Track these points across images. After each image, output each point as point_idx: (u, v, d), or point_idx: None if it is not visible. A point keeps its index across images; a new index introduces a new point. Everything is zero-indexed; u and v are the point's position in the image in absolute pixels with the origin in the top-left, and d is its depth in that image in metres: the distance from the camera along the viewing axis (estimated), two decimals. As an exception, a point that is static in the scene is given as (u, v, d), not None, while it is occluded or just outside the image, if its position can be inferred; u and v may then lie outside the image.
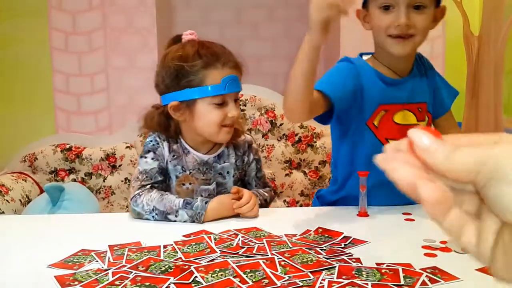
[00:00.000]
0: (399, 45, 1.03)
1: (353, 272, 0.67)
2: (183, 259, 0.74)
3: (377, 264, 0.71)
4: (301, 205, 1.95)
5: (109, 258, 0.75)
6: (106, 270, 0.70)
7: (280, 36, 2.38)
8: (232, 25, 2.36)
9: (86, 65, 2.09)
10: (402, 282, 0.64)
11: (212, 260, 0.73)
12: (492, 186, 0.24)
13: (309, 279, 0.65)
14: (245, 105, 1.90)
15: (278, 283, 0.63)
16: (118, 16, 2.05)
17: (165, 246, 0.80)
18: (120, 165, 1.92)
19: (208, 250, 0.78)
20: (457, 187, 0.28)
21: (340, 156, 1.19)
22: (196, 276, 0.66)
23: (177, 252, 0.77)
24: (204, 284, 0.63)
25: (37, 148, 1.91)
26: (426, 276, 0.67)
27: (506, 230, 0.26)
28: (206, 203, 1.01)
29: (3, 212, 1.54)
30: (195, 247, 0.79)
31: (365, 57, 1.16)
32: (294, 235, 0.87)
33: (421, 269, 0.69)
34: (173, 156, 1.12)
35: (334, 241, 0.83)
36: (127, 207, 1.92)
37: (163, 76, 1.10)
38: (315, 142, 1.94)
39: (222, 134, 1.09)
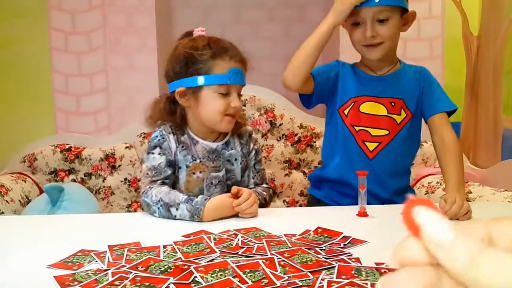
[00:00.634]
0: (372, 52, 1.24)
1: (353, 272, 0.67)
2: (183, 259, 0.74)
3: (377, 264, 0.71)
4: (300, 205, 1.95)
5: (108, 258, 0.75)
6: (105, 270, 0.70)
7: (279, 36, 2.38)
8: (232, 25, 2.36)
9: (86, 65, 2.09)
10: (402, 282, 0.64)
11: (212, 260, 0.73)
12: None
13: (309, 279, 0.65)
14: (244, 105, 1.90)
15: (278, 283, 0.63)
16: (118, 16, 2.05)
17: (164, 246, 0.80)
18: (119, 165, 1.92)
19: (208, 250, 0.78)
20: None
21: (324, 139, 1.40)
22: (195, 276, 0.66)
23: (176, 252, 0.77)
24: (204, 284, 0.63)
25: (37, 148, 1.91)
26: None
27: None
28: (206, 200, 1.02)
29: (2, 213, 1.54)
30: (195, 247, 0.79)
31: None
32: (294, 235, 0.87)
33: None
34: (182, 147, 1.17)
35: (333, 241, 0.83)
36: (126, 207, 1.92)
37: (173, 64, 1.16)
38: (315, 142, 1.94)
39: (224, 123, 1.15)
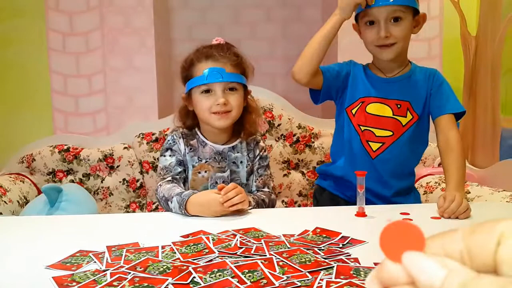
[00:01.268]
0: (384, 52, 1.25)
1: (351, 272, 0.67)
2: (181, 259, 0.73)
3: (375, 264, 0.71)
4: (299, 205, 1.95)
5: (107, 259, 0.75)
6: (104, 271, 0.70)
7: (277, 36, 2.38)
8: (230, 25, 2.36)
9: (84, 66, 2.08)
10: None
11: (210, 260, 0.73)
12: None
13: (307, 279, 0.65)
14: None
15: (276, 283, 0.63)
16: (116, 16, 2.05)
17: (163, 247, 0.80)
18: (118, 166, 1.91)
19: (206, 250, 0.78)
20: None
21: (334, 136, 1.44)
22: (194, 277, 0.65)
23: (175, 252, 0.77)
24: (203, 284, 0.63)
25: (35, 149, 1.90)
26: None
27: None
28: (193, 193, 1.07)
29: (1, 213, 1.53)
30: (193, 247, 0.79)
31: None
32: (292, 235, 0.87)
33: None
34: (190, 149, 1.27)
35: (332, 241, 0.83)
36: (125, 208, 1.92)
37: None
38: (313, 142, 1.94)
39: (213, 120, 1.22)
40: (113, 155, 1.91)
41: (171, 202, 1.10)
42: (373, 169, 1.28)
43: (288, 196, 1.96)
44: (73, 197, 1.64)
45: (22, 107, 2.13)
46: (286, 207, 1.92)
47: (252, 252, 0.76)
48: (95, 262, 0.74)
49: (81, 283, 0.65)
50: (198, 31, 2.35)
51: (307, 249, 0.77)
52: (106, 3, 2.04)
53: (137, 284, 0.63)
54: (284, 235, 0.86)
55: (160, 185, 1.20)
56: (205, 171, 1.26)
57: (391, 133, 1.28)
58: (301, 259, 0.72)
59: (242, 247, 0.79)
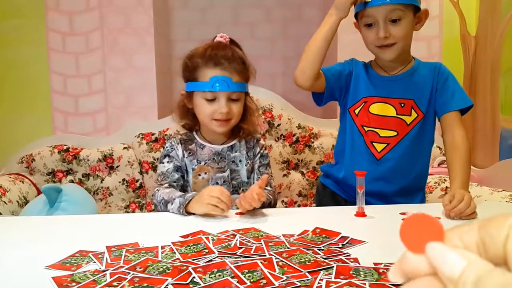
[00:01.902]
0: (385, 53, 1.23)
1: (351, 272, 0.67)
2: (181, 259, 0.73)
3: (375, 264, 0.71)
4: (299, 206, 1.95)
5: (107, 259, 0.75)
6: (103, 271, 0.70)
7: (277, 36, 2.38)
8: (229, 25, 2.36)
9: (84, 66, 2.08)
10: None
11: (210, 260, 0.73)
12: None
13: (307, 279, 0.65)
14: (242, 106, 1.90)
15: (276, 284, 0.63)
16: (116, 16, 2.05)
17: (162, 247, 0.80)
18: (117, 166, 1.92)
19: (206, 250, 0.78)
20: None
21: (338, 136, 1.42)
22: (194, 277, 0.65)
23: (175, 253, 0.77)
24: (202, 284, 0.63)
25: (35, 149, 1.91)
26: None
27: None
28: (195, 194, 1.08)
29: (0, 214, 1.53)
30: (193, 247, 0.79)
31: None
32: (292, 236, 0.87)
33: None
34: (189, 153, 1.28)
35: (331, 241, 0.83)
36: (125, 208, 1.92)
37: (182, 67, 1.28)
38: (313, 142, 1.94)
39: (214, 126, 1.23)
40: (112, 155, 1.91)
41: (171, 204, 1.10)
42: (379, 170, 1.26)
43: (287, 196, 1.96)
44: (72, 197, 1.63)
45: (22, 107, 2.13)
46: (285, 207, 1.92)
47: (252, 252, 0.76)
48: (94, 262, 0.74)
49: (80, 283, 0.65)
50: (197, 31, 2.35)
51: (307, 249, 0.77)
52: (106, 3, 2.04)
53: (137, 284, 0.63)
54: (283, 235, 0.86)
55: (157, 190, 1.20)
56: (205, 173, 1.26)
57: (396, 133, 1.26)
58: (301, 259, 0.72)
59: (241, 247, 0.79)
